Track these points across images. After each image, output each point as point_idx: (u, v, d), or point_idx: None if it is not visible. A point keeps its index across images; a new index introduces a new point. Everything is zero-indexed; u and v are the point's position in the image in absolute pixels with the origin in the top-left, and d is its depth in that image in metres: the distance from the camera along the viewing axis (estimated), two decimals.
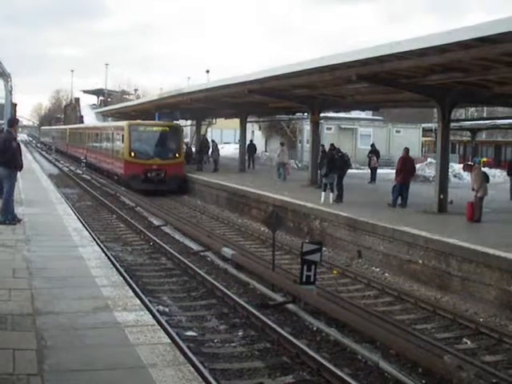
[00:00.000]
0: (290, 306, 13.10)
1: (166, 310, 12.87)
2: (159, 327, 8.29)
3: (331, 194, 23.42)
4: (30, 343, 7.18)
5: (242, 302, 13.06)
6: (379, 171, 36.26)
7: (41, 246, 13.07)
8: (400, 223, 18.20)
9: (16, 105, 60.17)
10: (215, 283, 14.69)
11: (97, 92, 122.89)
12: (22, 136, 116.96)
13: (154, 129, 37.27)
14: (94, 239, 16.39)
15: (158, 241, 20.02)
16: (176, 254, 17.94)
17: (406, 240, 17.02)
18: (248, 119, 43.39)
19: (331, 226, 20.81)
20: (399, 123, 56.56)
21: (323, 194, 23.39)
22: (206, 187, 33.19)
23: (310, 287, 13.37)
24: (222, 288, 14.27)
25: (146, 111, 48.95)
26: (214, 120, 57.72)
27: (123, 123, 39.36)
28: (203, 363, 9.56)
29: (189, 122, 62.12)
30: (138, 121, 41.83)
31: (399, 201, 22.54)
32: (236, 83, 27.44)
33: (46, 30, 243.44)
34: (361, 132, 53.99)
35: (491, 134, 74.22)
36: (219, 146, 45.93)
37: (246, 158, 42.84)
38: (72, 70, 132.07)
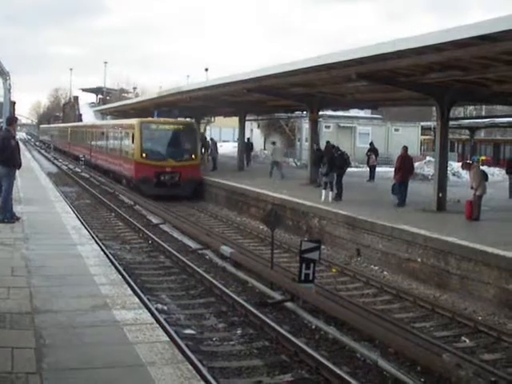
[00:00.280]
0: (289, 305, 13.10)
1: (165, 308, 12.87)
2: (158, 325, 8.29)
3: (330, 192, 23.42)
4: (28, 341, 7.18)
5: (241, 301, 13.07)
6: (378, 169, 36.27)
7: (39, 244, 13.06)
8: (399, 221, 18.20)
9: (15, 103, 60.13)
10: (214, 281, 14.69)
11: (96, 90, 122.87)
12: (20, 134, 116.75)
13: (168, 127, 33.93)
14: (93, 237, 16.38)
15: (156, 239, 20.01)
16: (174, 253, 17.93)
17: (404, 238, 17.02)
18: (247, 117, 43.39)
19: (330, 224, 20.81)
20: (398, 122, 56.58)
21: (324, 192, 23.37)
22: (207, 186, 33.16)
23: (309, 285, 13.37)
24: (221, 286, 14.27)
25: (144, 109, 48.86)
26: (212, 118, 57.66)
27: (134, 121, 35.37)
28: (202, 361, 9.57)
29: None
30: (150, 118, 37.34)
31: (397, 199, 22.52)
32: (234, 81, 27.42)
33: (45, 28, 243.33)
34: (359, 130, 53.96)
35: (490, 132, 74.34)
36: (218, 145, 45.90)
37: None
38: (71, 69, 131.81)
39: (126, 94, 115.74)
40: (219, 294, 13.95)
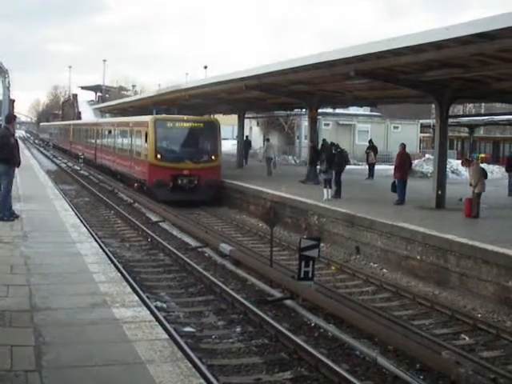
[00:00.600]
0: (288, 302, 13.10)
1: (164, 306, 12.87)
2: (157, 323, 8.28)
3: (329, 189, 23.41)
4: (27, 339, 7.18)
5: (240, 298, 13.06)
6: (377, 167, 36.28)
7: (38, 242, 13.06)
8: (398, 219, 18.21)
9: (14, 101, 60.09)
10: (213, 279, 14.69)
11: (95, 88, 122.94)
12: (19, 132, 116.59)
13: (186, 124, 30.50)
14: (92, 235, 16.39)
15: (155, 237, 20.01)
16: (174, 250, 17.93)
17: (403, 236, 17.03)
18: (246, 115, 43.37)
19: (329, 221, 20.81)
20: (397, 119, 56.61)
21: (324, 190, 23.31)
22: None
23: (308, 283, 13.38)
24: (220, 284, 14.27)
25: (143, 107, 48.86)
26: (211, 116, 57.67)
27: (147, 118, 31.96)
28: (201, 359, 9.57)
29: None
30: (165, 115, 34.53)
31: (396, 196, 22.52)
32: (234, 79, 27.42)
33: (44, 26, 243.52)
34: (359, 128, 53.99)
35: (489, 130, 74.34)
36: None
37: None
38: (70, 66, 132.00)
39: (125, 92, 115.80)
40: (218, 291, 13.95)
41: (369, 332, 11.21)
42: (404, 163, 23.17)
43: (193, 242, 19.54)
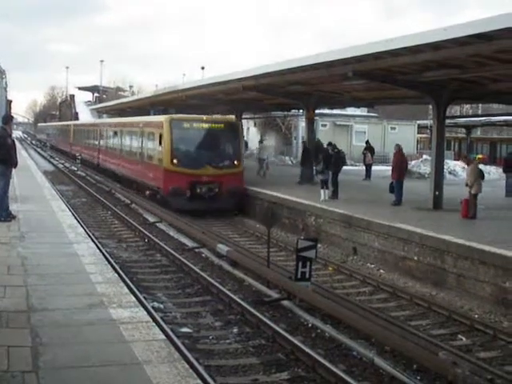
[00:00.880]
0: (285, 303, 13.10)
1: (161, 306, 12.87)
2: (154, 324, 8.29)
3: (326, 190, 23.42)
4: (24, 340, 7.17)
5: (237, 299, 13.07)
6: (374, 168, 36.30)
7: (35, 242, 13.05)
8: (395, 220, 18.22)
9: (11, 101, 60.11)
10: (210, 280, 14.69)
11: (92, 89, 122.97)
12: (16, 133, 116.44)
13: (205, 125, 27.59)
14: (89, 236, 16.38)
15: (152, 237, 20.00)
16: (171, 251, 17.92)
17: (401, 237, 17.04)
18: (243, 116, 43.37)
19: (326, 222, 20.82)
20: (394, 120, 56.69)
21: (321, 191, 23.30)
22: None
23: (306, 283, 13.39)
24: (217, 285, 14.27)
25: (140, 108, 48.83)
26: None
27: (161, 118, 28.70)
28: (198, 360, 9.56)
29: None
30: (182, 114, 30.45)
31: (393, 197, 22.53)
32: (231, 80, 27.42)
33: (41, 26, 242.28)
34: (356, 129, 54.10)
35: (486, 130, 74.39)
36: None
37: None
38: (67, 67, 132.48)
39: (122, 93, 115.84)
40: (216, 292, 13.95)
41: (366, 332, 11.21)
42: (400, 164, 23.18)
43: (190, 243, 19.53)
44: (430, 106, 27.52)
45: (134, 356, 6.82)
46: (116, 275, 11.06)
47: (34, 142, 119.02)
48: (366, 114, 58.33)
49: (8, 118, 17.33)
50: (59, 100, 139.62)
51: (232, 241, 20.13)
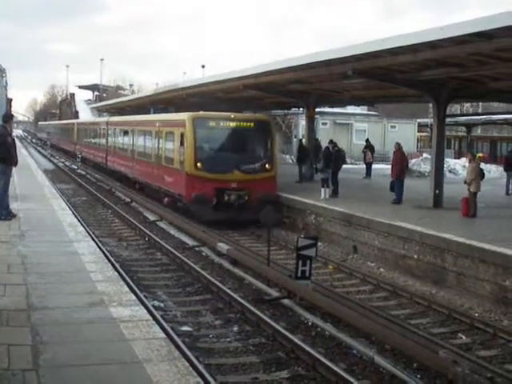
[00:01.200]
0: (286, 301, 13.11)
1: (162, 305, 12.88)
2: (154, 322, 8.29)
3: (327, 189, 23.42)
4: (25, 338, 7.17)
5: (238, 297, 13.07)
6: (374, 166, 36.29)
7: (36, 241, 13.04)
8: (395, 218, 18.22)
9: (11, 100, 60.10)
10: (210, 278, 14.69)
11: (92, 87, 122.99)
12: (17, 132, 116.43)
13: (234, 124, 24.39)
14: (89, 234, 16.36)
15: (153, 236, 20.00)
16: (171, 249, 17.92)
17: (401, 235, 17.05)
18: None
19: (326, 221, 20.82)
20: (394, 118, 56.67)
21: (322, 190, 23.29)
22: None
23: (306, 282, 13.39)
24: (217, 283, 14.27)
25: (141, 106, 48.84)
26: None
27: (183, 115, 25.43)
28: (198, 358, 9.57)
29: None
30: (207, 112, 26.74)
31: (393, 196, 22.54)
32: (231, 78, 27.40)
33: (41, 25, 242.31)
34: (356, 127, 54.06)
35: (486, 129, 74.37)
36: None
37: None
38: (67, 66, 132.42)
39: (122, 92, 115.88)
40: (216, 290, 13.95)
41: (366, 331, 11.22)
42: (400, 162, 23.17)
43: (190, 242, 19.54)
44: (431, 105, 27.54)
45: (135, 354, 6.82)
46: (116, 274, 11.06)
47: (34, 140, 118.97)
48: (366, 112, 58.30)
49: (8, 117, 17.32)
50: (59, 99, 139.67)
51: (232, 239, 20.03)
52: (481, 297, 14.14)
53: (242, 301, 12.79)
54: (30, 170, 32.93)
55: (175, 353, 7.07)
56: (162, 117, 31.03)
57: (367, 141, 38.26)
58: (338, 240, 20.02)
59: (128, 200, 29.14)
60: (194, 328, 11.56)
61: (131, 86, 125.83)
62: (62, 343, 7.10)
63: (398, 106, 53.41)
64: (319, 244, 16.38)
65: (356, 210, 19.89)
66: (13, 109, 66.91)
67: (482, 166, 24.33)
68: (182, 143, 24.20)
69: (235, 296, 13.19)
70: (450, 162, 37.85)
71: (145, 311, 8.73)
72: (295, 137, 53.85)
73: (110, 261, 13.48)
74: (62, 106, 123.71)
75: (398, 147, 23.61)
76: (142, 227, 21.51)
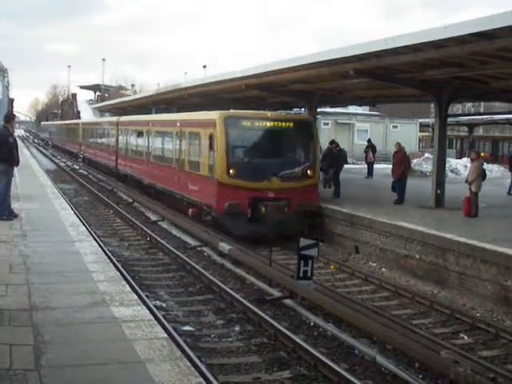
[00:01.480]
0: (287, 301, 13.11)
1: (163, 305, 12.88)
2: (156, 322, 8.29)
3: (328, 189, 23.40)
4: (26, 338, 7.18)
5: (239, 297, 13.06)
6: (376, 166, 36.29)
7: (37, 241, 13.06)
8: (397, 218, 18.21)
9: (13, 100, 60.11)
10: (212, 278, 14.69)
11: (94, 87, 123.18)
12: (18, 132, 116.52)
13: (270, 124, 21.48)
14: (91, 234, 16.40)
15: (154, 236, 19.99)
16: (173, 249, 17.92)
17: (402, 235, 17.03)
18: None
19: (328, 221, 20.80)
20: (396, 118, 56.63)
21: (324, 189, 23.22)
22: None
23: (307, 282, 13.38)
24: (219, 283, 14.27)
25: (142, 106, 48.83)
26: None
27: (213, 114, 22.15)
28: (200, 358, 9.57)
29: None
30: (239, 111, 25.58)
31: (395, 195, 22.53)
32: (233, 78, 27.37)
33: (43, 25, 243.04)
34: (358, 127, 54.05)
35: (488, 129, 74.40)
36: None
37: None
38: (69, 66, 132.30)
39: (124, 92, 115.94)
40: (217, 290, 13.95)
41: (368, 331, 11.22)
42: (401, 162, 23.17)
43: (192, 241, 19.53)
44: (432, 105, 27.51)
45: (136, 354, 6.82)
46: (118, 274, 11.07)
47: (36, 140, 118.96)
48: (367, 112, 58.28)
49: (10, 117, 17.32)
50: (61, 99, 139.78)
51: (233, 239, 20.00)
52: (483, 297, 14.12)
53: (243, 301, 12.78)
54: (32, 170, 32.96)
55: (177, 353, 7.07)
56: (185, 116, 27.39)
57: (369, 141, 38.24)
58: (339, 240, 20.01)
59: (130, 200, 29.14)
60: (195, 328, 11.56)
61: (133, 86, 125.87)
62: (63, 343, 7.11)
63: (400, 105, 53.32)
64: (320, 244, 16.35)
65: (357, 209, 19.88)
66: (14, 109, 66.89)
67: (484, 165, 24.34)
68: (211, 146, 21.21)
69: (237, 296, 13.18)
70: (452, 162, 37.81)
71: (146, 311, 8.74)
72: None
73: (111, 261, 13.51)
74: (64, 106, 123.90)
75: (399, 147, 23.60)
76: (143, 227, 21.50)
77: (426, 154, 41.96)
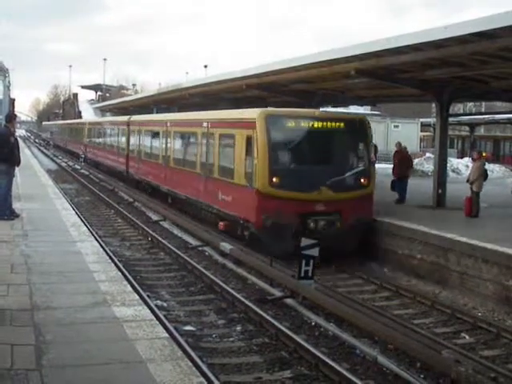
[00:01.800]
0: (289, 301, 13.11)
1: (165, 304, 12.89)
2: (157, 322, 8.31)
3: None
4: (28, 338, 7.19)
5: (241, 297, 13.06)
6: (377, 166, 36.11)
7: (39, 241, 13.07)
8: (398, 218, 18.19)
9: (14, 100, 60.16)
10: (213, 278, 14.69)
11: (95, 87, 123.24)
12: (20, 132, 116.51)
13: (319, 125, 18.27)
14: (92, 234, 16.42)
15: (156, 236, 19.99)
16: (174, 249, 17.92)
17: (403, 235, 17.02)
18: None
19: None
20: (397, 118, 56.57)
21: None
22: None
23: (309, 282, 13.38)
24: (221, 283, 14.26)
25: (144, 106, 48.83)
26: None
27: (251, 113, 18.82)
28: (201, 358, 9.56)
29: None
30: (282, 109, 21.15)
31: (396, 195, 22.52)
32: (234, 78, 27.38)
33: (44, 25, 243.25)
34: None
35: (489, 128, 74.36)
36: None
37: None
38: (70, 66, 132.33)
39: (125, 91, 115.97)
40: (219, 290, 13.95)
41: (369, 331, 11.22)
42: (401, 162, 23.15)
43: (193, 241, 19.52)
44: (433, 104, 27.50)
45: (138, 354, 6.83)
46: (119, 273, 11.08)
47: (37, 140, 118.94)
48: (368, 112, 58.07)
49: (11, 117, 17.34)
50: (62, 98, 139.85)
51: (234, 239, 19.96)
52: (484, 296, 14.12)
53: (245, 300, 12.78)
54: (33, 170, 32.96)
55: (178, 352, 7.08)
56: (215, 115, 23.82)
57: None
58: None
59: (131, 200, 29.13)
60: (197, 328, 11.56)
61: (134, 85, 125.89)
62: (65, 343, 7.11)
63: (401, 105, 53.29)
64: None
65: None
66: (16, 109, 66.95)
67: (486, 165, 24.32)
68: (248, 150, 18.11)
69: (238, 296, 13.18)
70: (453, 162, 37.83)
71: (148, 311, 8.75)
72: None
73: (113, 261, 13.53)
74: (65, 106, 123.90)
75: (399, 147, 23.58)
76: (144, 227, 21.50)
77: (428, 154, 41.95)
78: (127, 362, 6.67)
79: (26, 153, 45.90)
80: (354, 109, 53.81)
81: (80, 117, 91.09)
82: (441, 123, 21.33)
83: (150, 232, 20.60)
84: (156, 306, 12.13)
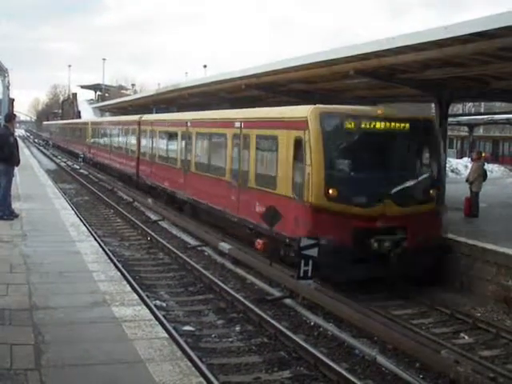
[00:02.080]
0: (288, 301, 13.10)
1: (164, 304, 12.88)
2: (157, 322, 8.31)
3: None
4: (27, 338, 7.18)
5: (240, 297, 13.06)
6: None
7: (38, 241, 13.07)
8: None
9: (13, 100, 60.08)
10: (212, 278, 14.68)
11: (94, 87, 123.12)
12: (19, 131, 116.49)
13: (383, 126, 15.19)
14: (92, 234, 16.42)
15: (155, 236, 19.98)
16: (173, 249, 17.91)
17: None
18: None
19: None
20: None
21: None
22: None
23: (308, 282, 13.37)
24: (220, 283, 14.26)
25: (143, 106, 48.81)
26: None
27: (302, 110, 15.72)
28: (201, 358, 9.57)
29: None
30: (337, 106, 16.91)
31: None
32: (233, 78, 27.37)
33: (43, 25, 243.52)
34: None
35: (488, 129, 74.37)
36: None
37: None
38: (69, 65, 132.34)
39: (124, 91, 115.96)
40: (218, 290, 13.94)
41: (368, 331, 11.22)
42: None
43: (192, 241, 19.51)
44: (433, 105, 27.49)
45: (137, 354, 6.83)
46: (119, 273, 11.08)
47: (36, 140, 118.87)
48: None
49: (11, 117, 17.34)
50: (61, 98, 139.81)
51: (234, 239, 19.91)
52: (483, 296, 14.11)
53: (244, 300, 12.78)
54: (33, 170, 32.97)
55: (177, 352, 7.08)
56: (250, 113, 20.69)
57: None
58: None
59: (130, 200, 29.12)
60: (196, 328, 11.56)
61: (133, 85, 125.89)
62: (64, 343, 7.11)
63: (401, 105, 53.25)
64: None
65: None
66: (15, 109, 66.85)
67: (485, 165, 24.32)
68: (296, 155, 15.31)
69: (237, 296, 13.18)
70: (453, 162, 37.85)
71: (147, 311, 8.75)
72: None
73: (112, 260, 13.53)
74: (65, 106, 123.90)
75: None
76: (144, 227, 21.50)
77: None
78: (126, 362, 6.67)
79: (25, 153, 45.93)
80: None
81: (79, 117, 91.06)
82: (440, 123, 21.28)
83: (149, 232, 20.60)
84: (155, 305, 12.12)
